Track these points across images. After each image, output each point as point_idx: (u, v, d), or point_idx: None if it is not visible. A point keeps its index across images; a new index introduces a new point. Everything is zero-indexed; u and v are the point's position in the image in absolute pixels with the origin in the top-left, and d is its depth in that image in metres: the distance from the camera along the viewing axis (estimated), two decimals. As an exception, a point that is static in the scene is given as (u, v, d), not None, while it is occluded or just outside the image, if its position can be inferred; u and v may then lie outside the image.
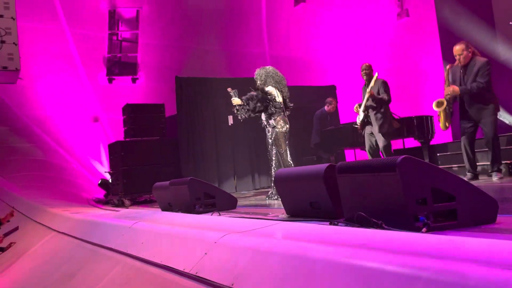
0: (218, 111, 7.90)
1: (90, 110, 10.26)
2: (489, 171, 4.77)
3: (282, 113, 5.28)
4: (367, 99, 5.60)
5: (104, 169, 9.66)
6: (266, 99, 5.18)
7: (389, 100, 5.60)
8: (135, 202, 7.20)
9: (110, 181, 8.03)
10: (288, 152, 5.29)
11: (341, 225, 2.36)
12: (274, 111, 5.22)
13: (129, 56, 10.56)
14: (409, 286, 1.30)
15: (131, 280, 2.89)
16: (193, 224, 3.17)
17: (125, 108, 7.71)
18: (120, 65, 10.51)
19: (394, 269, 1.38)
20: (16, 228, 5.44)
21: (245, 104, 5.23)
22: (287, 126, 5.29)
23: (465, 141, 4.81)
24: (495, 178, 4.65)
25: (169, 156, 7.53)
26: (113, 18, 10.43)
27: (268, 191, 5.50)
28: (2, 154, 8.70)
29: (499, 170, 4.68)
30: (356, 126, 5.91)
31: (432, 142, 6.99)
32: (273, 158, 5.30)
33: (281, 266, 1.83)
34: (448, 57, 5.03)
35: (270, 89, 5.29)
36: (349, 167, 2.42)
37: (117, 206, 6.96)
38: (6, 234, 5.41)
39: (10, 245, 5.53)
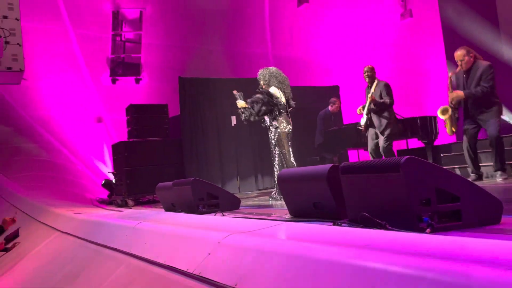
0: (221, 112, 7.90)
1: (93, 111, 10.29)
2: (493, 170, 4.75)
3: (285, 113, 5.27)
4: (369, 103, 5.61)
5: (107, 170, 9.68)
6: (271, 102, 5.16)
7: (391, 103, 5.60)
8: (139, 203, 7.21)
9: (113, 181, 8.05)
10: (291, 152, 5.28)
11: (344, 226, 2.36)
12: (278, 113, 5.21)
13: (132, 56, 10.58)
14: (413, 287, 1.29)
15: (135, 280, 2.89)
16: (196, 224, 3.17)
17: (128, 109, 7.72)
18: (123, 66, 10.54)
19: (398, 270, 1.38)
20: (17, 235, 5.44)
21: (250, 107, 5.22)
22: (290, 126, 5.28)
23: (467, 142, 4.81)
24: (499, 178, 4.64)
25: (173, 156, 7.54)
26: (117, 19, 10.46)
27: (271, 192, 5.49)
28: (6, 154, 8.74)
29: (503, 169, 4.66)
30: (360, 128, 5.92)
31: (436, 143, 6.97)
32: (276, 159, 5.30)
33: (285, 267, 1.83)
34: (452, 57, 5.01)
35: (273, 89, 5.28)
36: (353, 168, 2.42)
37: (120, 206, 6.97)
38: (7, 240, 5.42)
39: (14, 245, 5.54)
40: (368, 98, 5.57)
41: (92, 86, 10.29)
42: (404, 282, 1.33)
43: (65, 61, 9.98)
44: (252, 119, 5.30)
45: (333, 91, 9.30)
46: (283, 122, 5.22)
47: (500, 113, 4.70)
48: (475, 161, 4.85)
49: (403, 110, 7.32)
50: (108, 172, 9.14)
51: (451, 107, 4.84)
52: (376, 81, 5.65)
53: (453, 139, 6.69)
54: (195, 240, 2.63)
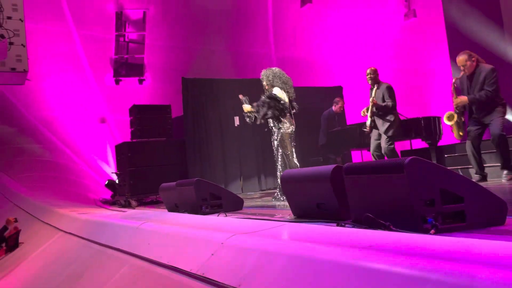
0: (224, 112, 7.91)
1: (97, 111, 10.33)
2: (500, 168, 4.74)
3: (288, 114, 5.27)
4: (372, 106, 5.63)
5: (111, 170, 9.71)
6: (277, 106, 5.15)
7: (394, 106, 5.60)
8: (142, 203, 7.22)
9: (116, 181, 8.07)
10: (294, 153, 5.28)
11: (348, 227, 2.35)
12: (283, 116, 5.21)
13: (135, 57, 10.61)
14: (418, 288, 1.29)
15: (138, 281, 2.90)
16: (199, 225, 3.17)
17: (132, 109, 7.74)
18: (127, 66, 10.57)
19: (402, 271, 1.37)
20: (17, 246, 5.46)
21: (256, 110, 5.23)
22: (293, 127, 5.28)
23: (471, 143, 4.80)
24: (504, 179, 4.62)
25: (176, 157, 7.55)
26: (120, 20, 10.49)
27: (275, 192, 5.49)
28: (9, 155, 8.78)
29: (509, 168, 4.64)
30: (365, 129, 5.92)
31: (440, 143, 6.94)
32: (279, 159, 5.29)
33: (288, 268, 1.82)
34: (456, 58, 5.00)
35: (277, 90, 5.28)
36: (357, 168, 2.41)
37: (123, 206, 6.99)
38: (9, 249, 5.44)
39: (19, 245, 5.56)
40: (370, 102, 5.58)
41: (96, 86, 10.32)
42: (408, 283, 1.32)
43: (68, 61, 10.02)
44: (258, 122, 5.31)
45: (337, 91, 9.29)
46: (286, 122, 5.22)
47: (504, 113, 4.68)
48: (479, 161, 4.83)
49: (407, 110, 7.30)
50: (111, 173, 9.17)
51: (456, 113, 4.85)
52: (378, 84, 5.66)
53: (455, 138, 6.67)
54: (198, 240, 2.63)
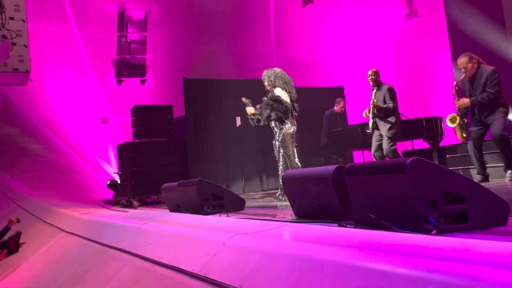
0: (226, 112, 7.91)
1: (99, 112, 10.34)
2: (504, 169, 4.73)
3: (289, 114, 5.27)
4: (373, 108, 5.63)
5: (112, 170, 9.72)
6: (280, 108, 5.15)
7: (395, 107, 5.60)
8: (144, 203, 7.23)
9: (118, 182, 8.08)
10: (295, 153, 5.28)
11: (350, 227, 2.35)
12: (285, 117, 5.21)
13: (137, 57, 10.62)
14: (420, 288, 1.29)
15: (140, 281, 2.90)
16: (201, 225, 3.18)
17: (133, 110, 7.75)
18: (129, 67, 10.58)
19: (405, 272, 1.37)
20: (16, 250, 5.47)
21: (259, 113, 5.23)
22: (294, 127, 5.28)
23: (473, 143, 4.80)
24: (508, 179, 4.61)
25: (177, 157, 7.56)
26: (122, 20, 10.50)
27: (276, 193, 5.49)
28: (12, 155, 8.79)
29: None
30: (368, 131, 5.93)
31: (441, 144, 6.93)
32: (281, 160, 5.29)
33: (290, 268, 1.82)
34: (458, 57, 4.99)
35: (278, 90, 5.28)
36: (359, 169, 2.41)
37: (125, 207, 6.99)
38: (10, 253, 5.45)
39: (20, 246, 5.57)
40: (371, 104, 5.59)
41: (98, 87, 10.33)
42: (410, 284, 1.32)
43: (70, 62, 10.03)
44: (261, 124, 5.31)
45: (338, 91, 9.28)
46: (287, 123, 5.22)
47: (507, 113, 4.68)
48: (481, 162, 4.83)
49: (408, 110, 7.30)
50: (113, 173, 9.18)
51: (458, 115, 4.85)
52: (379, 85, 5.66)
53: (459, 140, 6.66)
54: (200, 240, 2.63)
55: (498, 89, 4.57)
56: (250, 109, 5.37)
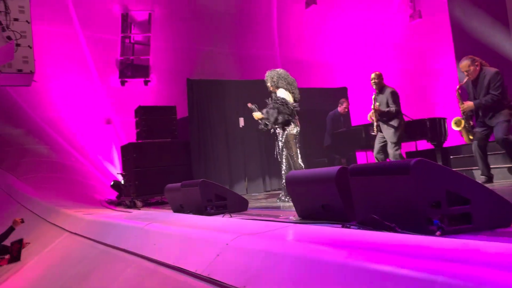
0: (229, 113, 7.92)
1: (102, 112, 10.37)
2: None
3: (295, 116, 5.27)
4: (375, 112, 5.64)
5: (116, 171, 9.75)
6: (286, 110, 5.14)
7: (398, 111, 5.59)
8: (147, 204, 7.25)
9: (122, 182, 8.10)
10: (298, 154, 5.27)
11: (353, 228, 2.35)
12: (291, 119, 5.20)
13: (141, 58, 10.65)
14: (424, 290, 1.28)
15: (144, 281, 2.91)
16: (204, 225, 3.18)
17: (137, 110, 7.77)
18: (132, 68, 10.60)
19: (409, 273, 1.37)
20: (18, 259, 5.48)
21: (266, 117, 5.21)
22: (298, 128, 5.27)
23: (477, 144, 4.78)
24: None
25: (181, 157, 7.57)
26: (126, 21, 10.53)
27: (279, 193, 5.49)
28: (16, 156, 8.83)
29: None
30: (373, 133, 5.93)
31: (445, 145, 6.91)
32: (284, 161, 5.29)
33: (293, 269, 1.82)
34: (461, 58, 4.98)
35: (281, 91, 5.27)
36: (362, 170, 2.41)
37: (129, 207, 7.01)
38: (12, 259, 5.46)
39: (24, 245, 5.59)
40: (372, 108, 5.60)
41: (101, 88, 10.36)
42: (414, 285, 1.32)
43: (74, 63, 10.07)
44: (269, 128, 5.30)
45: (341, 92, 9.28)
46: (291, 123, 5.21)
47: (511, 115, 4.66)
48: (485, 162, 4.81)
49: (412, 111, 7.27)
50: (117, 173, 9.21)
51: (463, 118, 4.83)
52: (382, 88, 5.66)
53: (463, 140, 6.64)
54: (203, 241, 2.63)
55: (502, 90, 4.55)
56: (257, 115, 5.34)
